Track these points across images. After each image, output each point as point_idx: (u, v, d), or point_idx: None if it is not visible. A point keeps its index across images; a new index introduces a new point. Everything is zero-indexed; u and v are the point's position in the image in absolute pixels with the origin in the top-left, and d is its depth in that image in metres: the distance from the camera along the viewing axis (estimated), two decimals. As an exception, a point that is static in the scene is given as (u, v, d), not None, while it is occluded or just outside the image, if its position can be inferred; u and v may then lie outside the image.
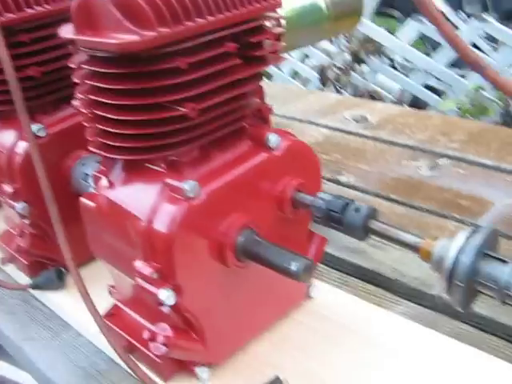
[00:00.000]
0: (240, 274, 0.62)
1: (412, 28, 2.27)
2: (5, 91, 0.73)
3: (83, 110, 0.58)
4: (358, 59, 2.31)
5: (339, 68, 2.28)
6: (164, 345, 0.58)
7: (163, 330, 0.59)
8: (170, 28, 0.50)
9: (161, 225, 0.55)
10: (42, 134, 0.75)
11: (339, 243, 0.84)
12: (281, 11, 0.61)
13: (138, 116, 0.54)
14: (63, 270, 0.81)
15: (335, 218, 0.60)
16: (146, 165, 0.59)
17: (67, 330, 0.78)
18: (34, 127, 0.74)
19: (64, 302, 0.80)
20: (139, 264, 0.57)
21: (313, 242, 0.71)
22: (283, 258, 0.56)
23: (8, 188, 0.77)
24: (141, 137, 0.55)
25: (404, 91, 2.32)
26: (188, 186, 0.55)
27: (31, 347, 0.77)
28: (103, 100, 0.55)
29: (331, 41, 2.37)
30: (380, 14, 2.62)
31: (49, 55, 0.75)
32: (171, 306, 0.57)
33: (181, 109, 0.53)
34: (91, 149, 0.60)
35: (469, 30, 2.15)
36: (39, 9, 0.73)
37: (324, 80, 2.33)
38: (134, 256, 0.58)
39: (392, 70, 2.36)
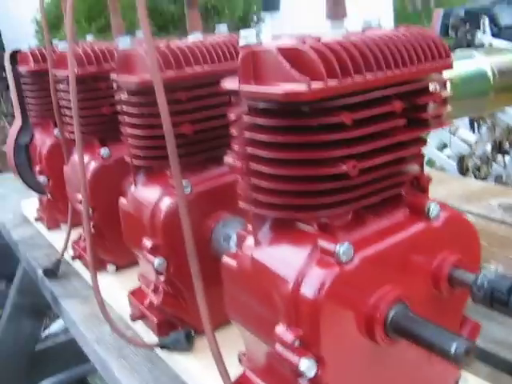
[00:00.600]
0: (385, 353, 0.57)
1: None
2: (156, 147, 0.76)
3: (238, 164, 0.57)
4: (500, 149, 2.21)
5: (480, 158, 2.19)
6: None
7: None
8: (339, 80, 0.48)
9: (309, 289, 0.51)
10: (187, 191, 0.75)
11: (485, 335, 0.75)
12: (446, 74, 0.57)
13: (295, 171, 0.52)
14: (192, 332, 0.79)
15: (500, 299, 0.53)
16: (297, 225, 0.56)
17: (191, 395, 0.75)
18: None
19: (191, 365, 0.77)
20: (281, 329, 0.54)
21: (465, 327, 0.64)
22: (442, 338, 0.50)
23: (148, 242, 0.77)
24: (295, 194, 0.53)
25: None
26: (342, 248, 0.51)
27: (154, 409, 0.74)
28: (260, 153, 0.53)
29: (472, 129, 2.30)
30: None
31: (202, 114, 0.76)
32: (310, 379, 0.53)
33: (341, 165, 0.50)
34: (241, 204, 0.58)
35: None
36: (198, 68, 0.75)
37: (463, 169, 2.25)
38: (275, 320, 0.55)
39: None
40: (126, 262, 1.05)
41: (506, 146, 2.22)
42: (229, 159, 0.60)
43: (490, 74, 0.76)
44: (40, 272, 1.16)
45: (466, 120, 2.41)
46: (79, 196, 1.00)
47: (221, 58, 0.76)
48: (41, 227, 1.37)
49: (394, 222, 0.57)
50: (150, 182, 0.81)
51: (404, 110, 0.54)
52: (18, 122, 1.38)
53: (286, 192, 0.53)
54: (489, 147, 2.22)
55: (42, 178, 1.26)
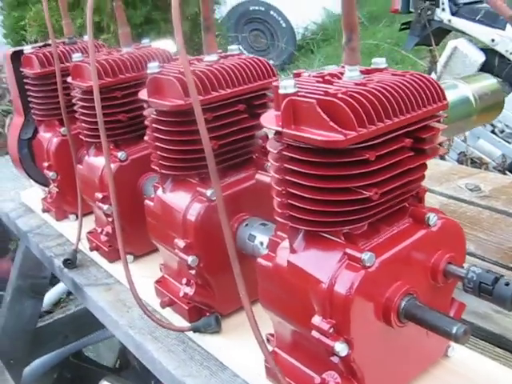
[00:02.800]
0: (394, 333, 0.72)
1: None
2: (186, 159, 0.89)
3: (277, 188, 0.70)
4: None
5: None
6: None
7: (333, 377, 0.69)
8: (366, 128, 0.61)
9: (341, 288, 0.66)
10: (212, 197, 0.88)
11: (468, 309, 0.91)
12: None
13: (327, 197, 0.65)
14: (219, 316, 0.93)
15: (486, 289, 0.68)
16: (325, 235, 0.70)
17: (223, 370, 0.89)
18: (209, 191, 0.87)
19: (221, 344, 0.91)
20: (317, 319, 0.68)
21: (453, 306, 0.80)
22: (444, 322, 0.65)
23: (181, 242, 0.89)
24: (327, 213, 0.66)
25: (506, 157, 2.37)
26: (366, 256, 0.65)
27: (193, 383, 0.88)
28: (299, 181, 0.66)
29: None
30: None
31: (224, 131, 0.89)
32: (342, 358, 0.67)
33: (366, 193, 0.64)
34: (278, 218, 0.72)
35: None
36: (221, 92, 0.87)
37: None
38: (309, 312, 0.69)
39: (493, 135, 2.41)
40: (142, 251, 1.17)
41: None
42: (261, 177, 0.73)
43: (472, 99, 0.90)
44: (57, 262, 1.27)
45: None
46: (99, 195, 1.12)
47: (242, 81, 0.89)
48: (48, 218, 1.47)
49: (401, 229, 0.72)
50: (178, 189, 0.93)
51: (412, 144, 0.68)
52: (19, 118, 1.46)
53: (320, 212, 0.66)
54: None
55: (50, 174, 1.35)
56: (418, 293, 0.70)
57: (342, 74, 0.72)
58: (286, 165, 0.68)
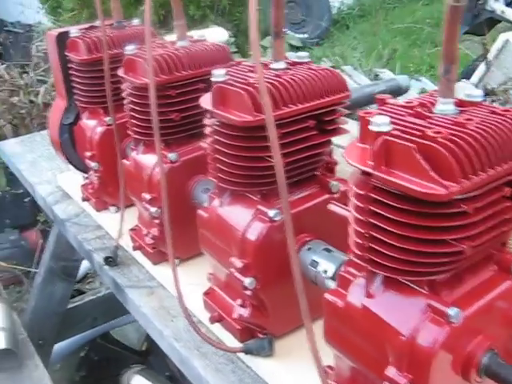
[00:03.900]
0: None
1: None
2: (246, 175, 0.85)
3: (358, 228, 0.65)
4: None
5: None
6: None
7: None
8: (469, 180, 0.56)
9: (425, 342, 0.61)
10: (276, 217, 0.83)
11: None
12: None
13: (417, 247, 0.60)
14: (273, 339, 0.89)
15: None
16: (406, 282, 0.65)
17: (275, 395, 0.85)
18: (272, 211, 0.83)
19: (274, 369, 0.88)
20: (392, 372, 0.64)
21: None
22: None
23: (238, 262, 0.85)
24: (413, 263, 0.62)
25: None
26: (453, 312, 0.61)
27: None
28: (384, 227, 0.62)
29: None
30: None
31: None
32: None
33: (460, 246, 0.59)
34: (355, 259, 0.67)
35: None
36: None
37: None
38: (382, 361, 0.65)
39: None
40: (188, 255, 1.13)
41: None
42: (335, 208, 0.69)
43: None
44: (96, 257, 1.24)
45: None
46: (147, 196, 1.07)
47: (314, 96, 0.84)
48: (86, 206, 1.42)
49: (487, 279, 0.67)
50: (237, 204, 0.89)
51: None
52: (61, 102, 1.41)
53: (406, 261, 0.62)
54: None
55: (93, 164, 1.31)
56: (499, 347, 0.66)
57: (432, 104, 0.67)
58: (372, 207, 0.63)
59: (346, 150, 0.66)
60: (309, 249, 0.85)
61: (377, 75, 2.97)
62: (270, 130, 0.65)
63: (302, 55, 0.91)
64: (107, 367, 2.00)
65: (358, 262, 0.67)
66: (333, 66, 3.07)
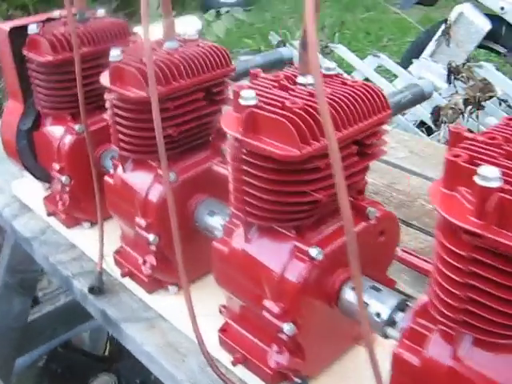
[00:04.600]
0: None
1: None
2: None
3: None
4: (479, 105, 2.24)
5: (453, 110, 2.22)
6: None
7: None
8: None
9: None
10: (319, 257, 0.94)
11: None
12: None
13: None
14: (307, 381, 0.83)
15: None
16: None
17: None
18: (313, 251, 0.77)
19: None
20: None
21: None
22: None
23: (275, 307, 0.78)
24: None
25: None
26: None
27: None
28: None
29: (449, 81, 2.41)
30: (483, 47, 2.63)
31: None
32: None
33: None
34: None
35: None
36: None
37: (437, 121, 2.27)
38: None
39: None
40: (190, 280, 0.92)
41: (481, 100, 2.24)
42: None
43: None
44: (77, 284, 1.10)
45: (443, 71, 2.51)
46: (142, 222, 0.97)
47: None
48: (52, 220, 1.25)
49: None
50: (265, 238, 0.82)
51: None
52: (16, 104, 1.26)
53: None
54: (461, 100, 2.25)
55: (63, 178, 1.16)
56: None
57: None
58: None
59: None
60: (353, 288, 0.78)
61: (330, 51, 2.90)
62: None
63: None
64: (71, 378, 1.88)
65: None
66: (282, 41, 2.99)
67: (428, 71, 2.57)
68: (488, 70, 2.32)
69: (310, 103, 0.72)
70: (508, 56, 2.54)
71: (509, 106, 2.33)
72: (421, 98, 1.07)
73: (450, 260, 0.58)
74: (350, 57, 2.86)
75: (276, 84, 0.78)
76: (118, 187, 1.02)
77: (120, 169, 1.02)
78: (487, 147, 0.58)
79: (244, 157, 0.75)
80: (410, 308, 0.71)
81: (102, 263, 1.08)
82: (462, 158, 0.56)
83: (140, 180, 0.99)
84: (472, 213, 0.54)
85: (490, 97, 2.28)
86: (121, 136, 0.97)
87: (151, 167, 0.98)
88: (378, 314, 0.75)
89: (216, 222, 0.94)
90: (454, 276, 0.58)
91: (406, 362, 0.66)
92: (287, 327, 0.76)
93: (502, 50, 2.65)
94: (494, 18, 2.60)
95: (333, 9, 4.99)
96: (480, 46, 2.65)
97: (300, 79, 0.78)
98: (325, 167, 0.72)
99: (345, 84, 0.78)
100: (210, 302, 0.90)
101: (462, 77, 2.34)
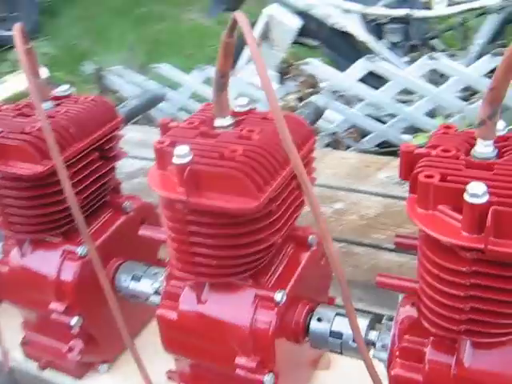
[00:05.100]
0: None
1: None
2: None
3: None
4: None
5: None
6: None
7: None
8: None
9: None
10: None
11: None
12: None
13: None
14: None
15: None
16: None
17: None
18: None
19: None
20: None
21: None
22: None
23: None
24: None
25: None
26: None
27: None
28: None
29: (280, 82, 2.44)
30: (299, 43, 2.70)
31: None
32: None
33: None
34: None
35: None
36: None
37: None
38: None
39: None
40: (114, 356, 0.97)
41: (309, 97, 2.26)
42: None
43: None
44: None
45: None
46: (58, 306, 0.87)
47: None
48: None
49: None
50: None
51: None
52: None
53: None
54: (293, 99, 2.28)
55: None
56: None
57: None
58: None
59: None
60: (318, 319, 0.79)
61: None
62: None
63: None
64: None
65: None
66: (100, 69, 2.83)
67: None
68: (315, 66, 2.39)
69: (247, 147, 0.68)
70: (323, 48, 2.66)
71: (341, 95, 2.43)
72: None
73: (448, 277, 0.59)
74: (174, 74, 2.76)
75: (196, 132, 0.73)
76: (15, 274, 0.90)
77: (15, 254, 0.90)
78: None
79: (190, 218, 0.69)
80: (384, 325, 0.74)
81: (9, 360, 0.96)
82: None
83: (45, 262, 0.88)
84: (465, 229, 0.55)
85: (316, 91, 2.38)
86: (13, 218, 0.85)
87: (54, 245, 0.88)
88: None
89: (146, 286, 0.87)
90: (454, 291, 0.59)
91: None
92: (267, 378, 0.73)
93: (316, 42, 2.74)
94: (304, 15, 2.66)
95: (120, 23, 4.73)
96: (296, 43, 2.71)
97: (218, 122, 0.74)
98: (276, 208, 0.70)
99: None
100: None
101: (292, 76, 2.44)
